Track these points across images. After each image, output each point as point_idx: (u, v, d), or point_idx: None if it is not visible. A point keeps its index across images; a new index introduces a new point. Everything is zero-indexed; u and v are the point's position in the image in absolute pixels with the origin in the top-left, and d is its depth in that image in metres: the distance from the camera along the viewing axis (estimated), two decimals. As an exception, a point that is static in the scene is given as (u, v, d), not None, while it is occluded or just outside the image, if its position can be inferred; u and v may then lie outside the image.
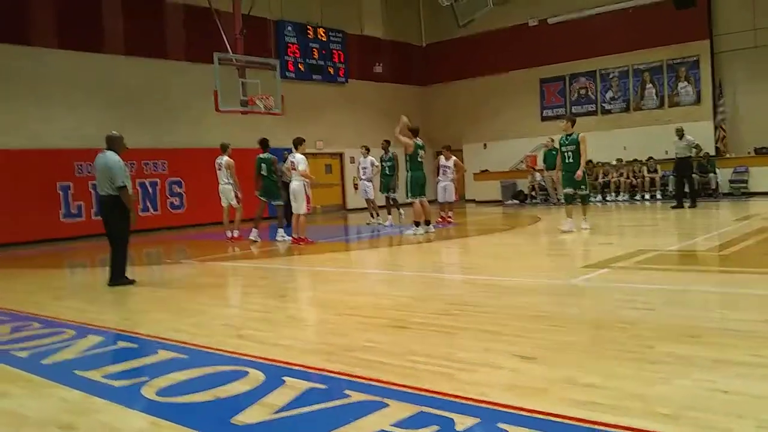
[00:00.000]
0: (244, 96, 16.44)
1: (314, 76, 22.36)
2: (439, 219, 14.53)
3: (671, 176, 18.15)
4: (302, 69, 21.89)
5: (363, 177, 15.59)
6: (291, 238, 11.88)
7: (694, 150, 15.53)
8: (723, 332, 4.26)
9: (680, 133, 15.13)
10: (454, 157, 14.73)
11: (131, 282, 8.03)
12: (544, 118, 23.47)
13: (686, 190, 15.39)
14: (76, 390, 3.80)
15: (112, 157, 7.76)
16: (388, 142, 14.83)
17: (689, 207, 14.93)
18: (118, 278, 7.98)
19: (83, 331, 5.43)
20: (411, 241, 11.47)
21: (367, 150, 15.71)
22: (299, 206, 11.46)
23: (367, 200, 15.82)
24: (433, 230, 12.64)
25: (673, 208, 15.16)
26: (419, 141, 12.53)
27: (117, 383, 3.91)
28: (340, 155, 23.56)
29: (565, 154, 11.39)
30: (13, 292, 8.24)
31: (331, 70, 22.94)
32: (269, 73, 17.25)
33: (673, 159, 18.50)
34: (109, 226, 7.94)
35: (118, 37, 17.46)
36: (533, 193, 21.68)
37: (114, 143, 7.92)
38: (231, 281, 8.59)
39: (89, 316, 6.12)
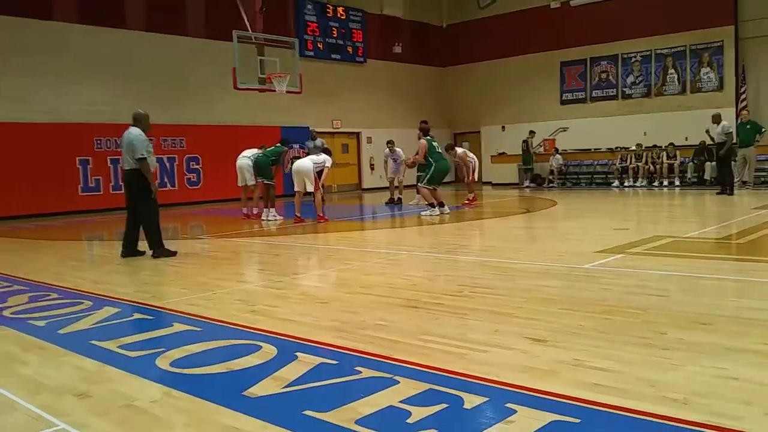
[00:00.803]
0: (262, 74, 16.45)
1: (333, 56, 22.30)
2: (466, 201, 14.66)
3: (706, 162, 17.95)
4: (321, 48, 21.84)
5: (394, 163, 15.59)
6: (295, 217, 11.89)
7: (726, 136, 15.18)
8: (735, 320, 4.25)
9: (717, 119, 14.84)
10: (459, 149, 14.72)
11: (173, 253, 8.14)
12: (563, 102, 23.29)
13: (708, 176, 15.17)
14: (91, 359, 3.86)
15: (134, 131, 7.98)
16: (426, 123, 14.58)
17: (718, 193, 14.61)
18: (159, 248, 8.10)
19: (100, 302, 5.52)
20: (425, 222, 11.48)
21: (393, 144, 15.76)
22: (311, 185, 11.54)
23: (391, 180, 15.78)
24: (448, 211, 12.64)
25: (718, 194, 14.76)
26: (429, 136, 12.64)
27: (132, 354, 3.97)
28: (357, 135, 23.53)
29: None
30: (32, 263, 8.37)
31: (350, 50, 22.86)
32: (288, 52, 17.25)
33: (695, 146, 18.31)
34: (134, 199, 8.07)
35: (139, 13, 17.52)
36: (551, 177, 21.57)
37: (140, 120, 8.13)
38: (245, 258, 8.66)
39: (106, 287, 6.21)
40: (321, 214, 11.77)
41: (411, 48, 25.13)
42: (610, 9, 21.56)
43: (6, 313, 5.26)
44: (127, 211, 8.25)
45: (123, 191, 8.39)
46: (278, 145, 13.11)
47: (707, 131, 15.11)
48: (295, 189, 11.86)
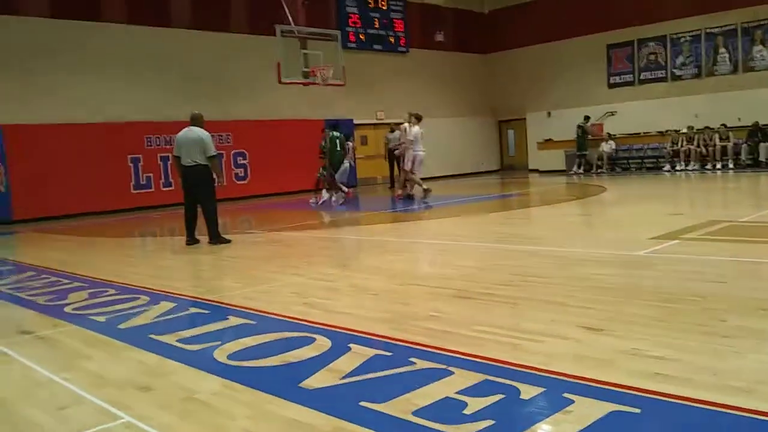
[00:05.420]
0: (306, 67, 16.57)
1: (375, 46, 22.28)
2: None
3: (761, 144, 17.47)
4: (363, 39, 21.84)
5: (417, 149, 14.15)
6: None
7: None
8: (800, 306, 4.12)
9: None
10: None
11: (228, 241, 9.07)
12: (611, 85, 22.80)
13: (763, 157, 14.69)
14: (152, 353, 3.96)
15: (202, 131, 8.78)
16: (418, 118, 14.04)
17: None
18: (217, 237, 8.98)
19: (156, 297, 5.64)
20: (471, 212, 11.41)
21: (418, 119, 14.33)
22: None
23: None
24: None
25: None
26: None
27: (190, 347, 4.06)
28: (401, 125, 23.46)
29: None
30: (89, 259, 8.61)
31: (392, 40, 22.81)
32: (331, 44, 17.30)
33: (749, 126, 17.82)
34: (199, 192, 8.86)
35: (184, 12, 17.78)
36: (599, 163, 21.19)
37: (198, 120, 8.98)
38: (297, 251, 8.74)
39: (162, 283, 6.35)
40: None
41: (453, 36, 24.94)
42: (657, -12, 21.02)
43: (67, 309, 5.42)
44: (187, 204, 9.03)
45: (181, 186, 9.13)
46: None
47: None
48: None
